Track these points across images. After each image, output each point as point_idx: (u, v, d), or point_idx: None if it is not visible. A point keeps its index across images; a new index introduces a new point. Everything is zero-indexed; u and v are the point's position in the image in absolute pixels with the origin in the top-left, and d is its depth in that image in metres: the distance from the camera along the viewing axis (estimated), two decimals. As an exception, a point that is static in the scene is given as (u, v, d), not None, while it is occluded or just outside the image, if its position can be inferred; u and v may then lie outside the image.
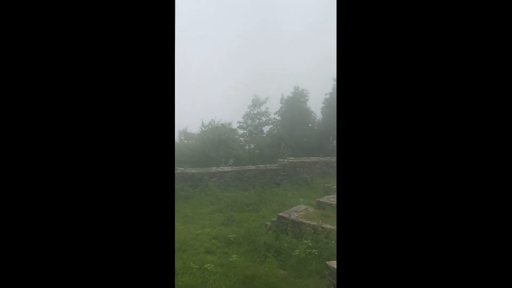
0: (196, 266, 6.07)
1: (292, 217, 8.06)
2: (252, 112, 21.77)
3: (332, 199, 9.14)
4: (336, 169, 13.88)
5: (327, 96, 20.54)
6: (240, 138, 20.64)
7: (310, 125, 19.67)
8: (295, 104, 19.40)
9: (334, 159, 14.91)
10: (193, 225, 8.89)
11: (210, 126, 18.03)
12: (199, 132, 18.42)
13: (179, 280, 5.56)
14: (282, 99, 19.94)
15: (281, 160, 14.17)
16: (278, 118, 20.35)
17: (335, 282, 4.16)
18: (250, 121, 21.80)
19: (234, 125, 20.41)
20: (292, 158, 14.77)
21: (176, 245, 6.88)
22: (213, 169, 13.37)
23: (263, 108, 21.66)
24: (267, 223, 8.57)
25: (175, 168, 12.27)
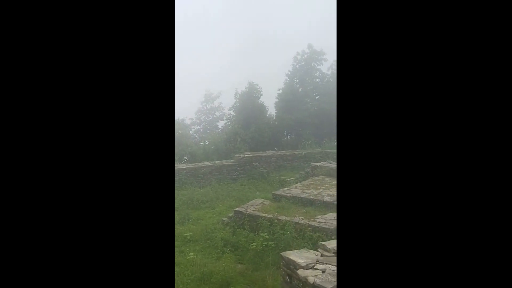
0: (151, 268, 5.90)
1: (248, 211, 8.13)
2: (205, 107, 21.49)
3: (287, 191, 9.36)
4: (290, 162, 14.18)
5: (280, 91, 20.89)
6: (194, 135, 20.31)
7: (264, 120, 19.89)
8: (249, 99, 19.48)
9: (289, 152, 15.26)
10: (148, 225, 8.60)
11: (162, 123, 17.47)
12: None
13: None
14: (236, 94, 19.92)
15: (237, 155, 14.17)
16: (233, 113, 20.30)
17: (289, 271, 4.27)
18: (203, 116, 21.51)
19: (187, 122, 20.02)
20: (248, 153, 14.85)
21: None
22: (167, 167, 13.01)
23: (216, 104, 21.47)
24: (224, 219, 8.56)
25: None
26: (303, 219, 7.40)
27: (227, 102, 20.97)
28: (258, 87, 19.79)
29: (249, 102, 19.34)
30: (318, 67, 20.81)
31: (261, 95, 19.77)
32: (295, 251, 4.62)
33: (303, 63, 20.55)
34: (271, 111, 20.89)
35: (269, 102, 20.87)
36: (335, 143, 18.79)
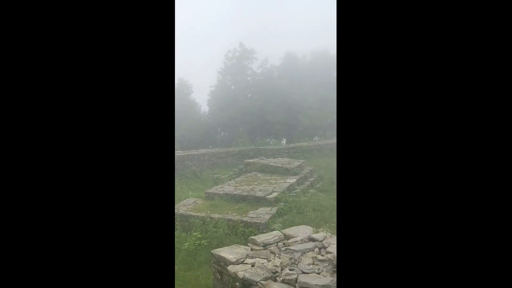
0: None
1: (180, 211, 7.95)
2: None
3: (220, 188, 9.37)
4: (224, 160, 14.19)
5: (212, 89, 20.79)
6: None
7: (196, 117, 19.59)
8: (179, 96, 18.99)
9: (223, 149, 15.27)
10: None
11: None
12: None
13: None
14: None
15: (168, 154, 13.73)
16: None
17: (220, 268, 4.29)
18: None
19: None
20: (180, 151, 14.50)
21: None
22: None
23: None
24: (154, 220, 8.25)
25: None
26: (236, 215, 7.49)
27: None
28: (188, 83, 19.41)
29: (178, 98, 18.87)
30: (250, 65, 21.17)
31: (192, 91, 19.45)
32: (226, 247, 4.66)
33: (235, 61, 20.72)
34: (204, 108, 20.70)
35: (201, 99, 20.64)
36: (268, 140, 19.36)
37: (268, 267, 3.90)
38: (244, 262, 4.13)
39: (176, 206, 8.49)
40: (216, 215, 7.50)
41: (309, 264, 3.89)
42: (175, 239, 6.99)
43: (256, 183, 9.92)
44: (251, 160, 12.70)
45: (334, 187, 10.41)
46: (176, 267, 6.12)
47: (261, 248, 4.50)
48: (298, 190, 9.64)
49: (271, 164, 11.79)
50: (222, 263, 4.23)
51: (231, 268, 4.01)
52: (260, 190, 9.01)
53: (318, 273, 3.69)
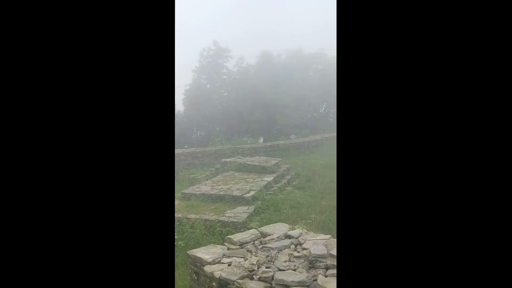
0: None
1: (156, 213, 7.81)
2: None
3: (197, 189, 9.27)
4: (200, 160, 14.01)
5: (187, 87, 20.54)
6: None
7: (172, 117, 19.34)
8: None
9: (199, 149, 15.11)
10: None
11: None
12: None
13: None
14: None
15: (143, 155, 13.45)
16: (138, 111, 19.19)
17: (196, 269, 4.26)
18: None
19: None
20: (155, 152, 14.23)
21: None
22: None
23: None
24: (129, 223, 8.06)
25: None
26: (212, 215, 7.44)
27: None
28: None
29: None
30: (225, 64, 21.07)
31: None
32: (202, 248, 4.62)
33: (210, 59, 20.56)
34: (179, 107, 20.42)
35: (176, 98, 20.34)
36: (245, 139, 19.33)
37: (245, 265, 3.90)
38: (221, 261, 4.11)
39: (151, 207, 8.33)
40: (193, 216, 7.42)
41: (285, 261, 3.92)
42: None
43: (233, 182, 9.90)
44: (228, 160, 12.65)
45: (310, 184, 10.56)
46: (152, 269, 6.01)
47: (238, 247, 4.49)
48: (275, 188, 9.70)
49: (248, 163, 11.80)
50: (199, 263, 4.19)
51: (207, 268, 3.98)
52: (237, 189, 8.99)
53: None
